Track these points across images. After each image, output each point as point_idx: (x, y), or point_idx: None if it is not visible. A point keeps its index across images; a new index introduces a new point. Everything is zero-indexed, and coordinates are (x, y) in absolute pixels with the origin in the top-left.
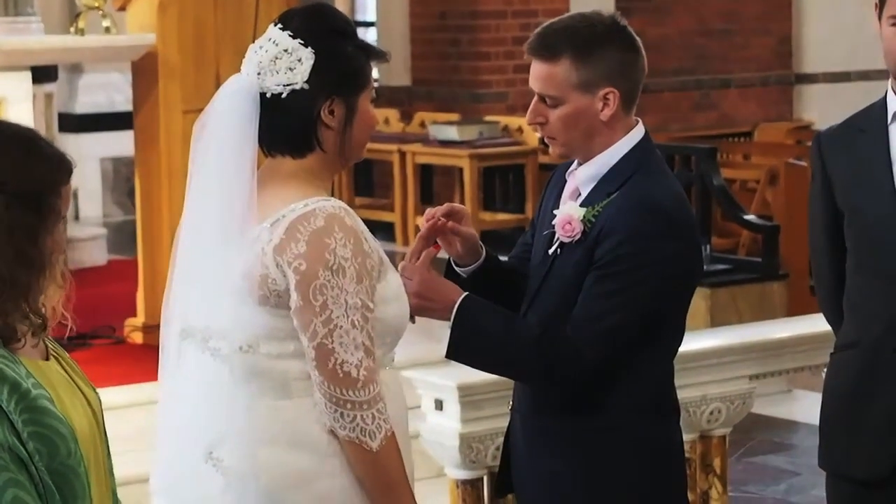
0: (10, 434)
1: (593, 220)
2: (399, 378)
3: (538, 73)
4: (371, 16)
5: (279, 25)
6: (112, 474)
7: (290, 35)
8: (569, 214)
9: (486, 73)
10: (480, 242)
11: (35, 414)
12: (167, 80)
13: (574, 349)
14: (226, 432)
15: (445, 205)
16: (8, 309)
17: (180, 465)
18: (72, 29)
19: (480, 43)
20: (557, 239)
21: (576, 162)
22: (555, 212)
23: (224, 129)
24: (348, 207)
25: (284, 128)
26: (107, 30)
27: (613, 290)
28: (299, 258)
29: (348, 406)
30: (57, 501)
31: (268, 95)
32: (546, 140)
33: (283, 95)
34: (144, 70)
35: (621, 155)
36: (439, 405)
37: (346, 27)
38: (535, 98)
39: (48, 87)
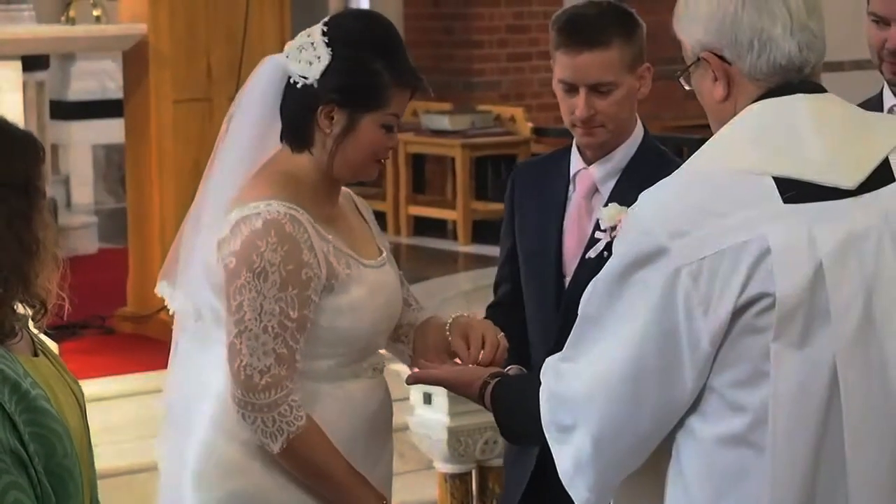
0: (12, 436)
1: None
2: (375, 390)
3: (593, 62)
4: (365, 3)
5: (324, 19)
6: (93, 466)
7: (323, 31)
8: (622, 217)
9: (480, 61)
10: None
11: (35, 414)
12: (158, 69)
13: None
14: (178, 398)
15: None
16: (5, 300)
17: (160, 426)
18: (62, 18)
19: (474, 31)
20: (604, 244)
21: (579, 161)
22: (598, 213)
23: (246, 99)
24: (299, 215)
25: (288, 117)
26: (97, 19)
27: None
28: (230, 255)
29: (248, 408)
30: (52, 503)
31: (291, 81)
32: (587, 132)
33: (298, 85)
34: (135, 60)
35: (637, 145)
36: (427, 399)
37: (383, 44)
38: (584, 90)
39: (40, 75)
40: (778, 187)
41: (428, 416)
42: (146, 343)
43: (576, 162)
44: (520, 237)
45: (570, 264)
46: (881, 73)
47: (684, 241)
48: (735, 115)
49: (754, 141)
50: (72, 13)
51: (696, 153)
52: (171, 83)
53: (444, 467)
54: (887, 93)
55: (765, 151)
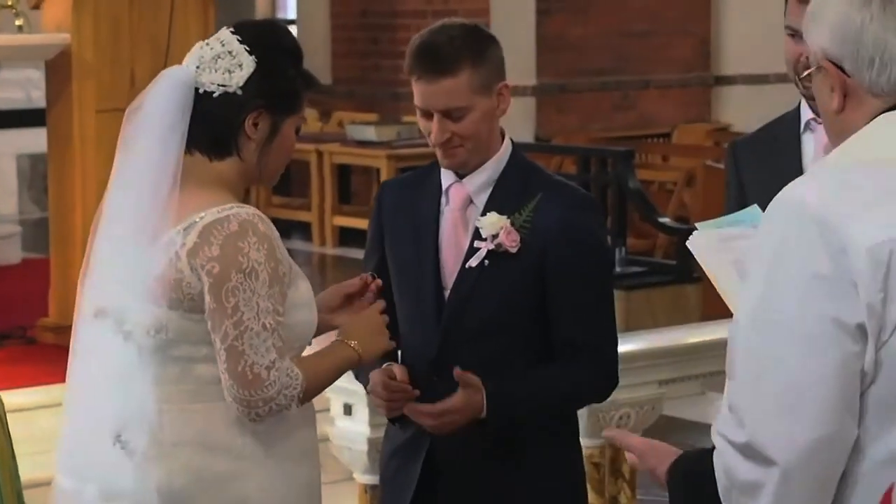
0: None
1: (528, 225)
2: None
3: (441, 91)
4: (292, 13)
5: (231, 29)
6: (18, 477)
7: (238, 40)
8: (503, 224)
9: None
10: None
11: None
12: (82, 79)
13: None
14: (133, 416)
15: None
16: None
17: (89, 444)
18: None
19: (400, 42)
20: (485, 252)
21: (450, 175)
22: (477, 221)
23: (155, 116)
24: (262, 214)
25: (207, 127)
26: (20, 28)
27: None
28: (212, 261)
29: (259, 403)
30: None
31: (200, 91)
32: (446, 153)
33: (215, 95)
34: (58, 69)
35: (507, 158)
36: (348, 410)
37: (295, 50)
38: (437, 116)
39: None
40: None
41: (348, 427)
42: (68, 353)
43: (447, 176)
44: (392, 252)
45: (449, 277)
46: (797, 86)
47: (861, 219)
48: (853, 126)
49: None
50: None
51: (840, 149)
52: (94, 92)
53: (364, 479)
54: (804, 107)
55: None
